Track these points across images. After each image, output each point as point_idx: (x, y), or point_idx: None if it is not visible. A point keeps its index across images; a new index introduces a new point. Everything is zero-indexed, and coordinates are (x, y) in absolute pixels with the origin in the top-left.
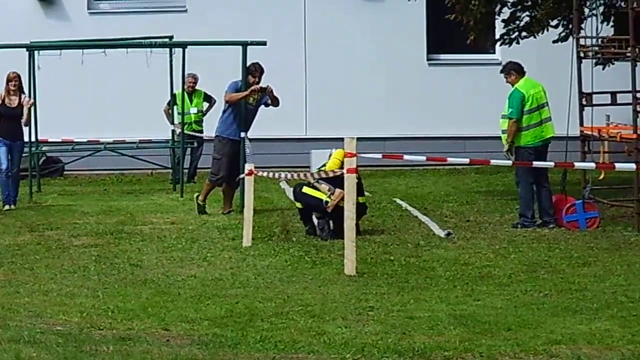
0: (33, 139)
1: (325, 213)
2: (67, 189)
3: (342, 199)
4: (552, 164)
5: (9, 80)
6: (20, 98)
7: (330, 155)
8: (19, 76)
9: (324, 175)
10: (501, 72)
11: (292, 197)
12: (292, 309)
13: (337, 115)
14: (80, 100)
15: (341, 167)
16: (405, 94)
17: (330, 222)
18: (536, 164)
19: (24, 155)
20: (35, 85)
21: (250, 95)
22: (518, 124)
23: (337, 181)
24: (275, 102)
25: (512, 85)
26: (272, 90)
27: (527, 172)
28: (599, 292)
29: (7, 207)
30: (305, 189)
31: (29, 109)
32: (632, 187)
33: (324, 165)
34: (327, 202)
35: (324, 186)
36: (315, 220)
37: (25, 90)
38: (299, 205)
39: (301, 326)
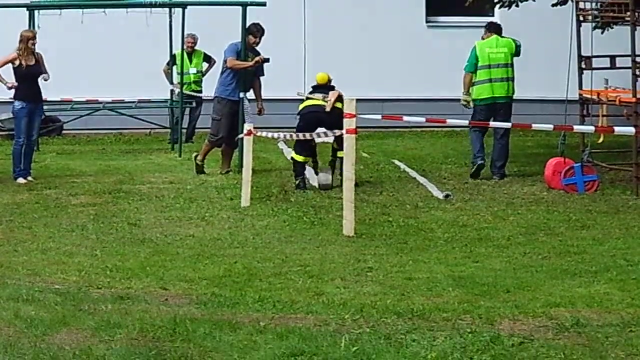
0: None
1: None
2: (66, 148)
3: (339, 98)
4: (552, 126)
5: (29, 39)
6: (35, 56)
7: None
8: (35, 34)
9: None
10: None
11: (292, 150)
12: (291, 269)
13: (335, 77)
14: (80, 60)
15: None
16: (404, 56)
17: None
18: (536, 126)
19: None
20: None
21: (253, 66)
22: (470, 76)
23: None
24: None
25: None
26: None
27: (473, 119)
28: (597, 255)
29: (22, 180)
30: (302, 105)
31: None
32: (630, 151)
33: (310, 93)
34: (324, 106)
35: (318, 95)
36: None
37: None
38: (300, 157)
39: (299, 286)
